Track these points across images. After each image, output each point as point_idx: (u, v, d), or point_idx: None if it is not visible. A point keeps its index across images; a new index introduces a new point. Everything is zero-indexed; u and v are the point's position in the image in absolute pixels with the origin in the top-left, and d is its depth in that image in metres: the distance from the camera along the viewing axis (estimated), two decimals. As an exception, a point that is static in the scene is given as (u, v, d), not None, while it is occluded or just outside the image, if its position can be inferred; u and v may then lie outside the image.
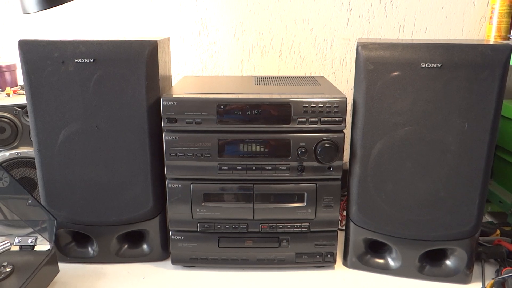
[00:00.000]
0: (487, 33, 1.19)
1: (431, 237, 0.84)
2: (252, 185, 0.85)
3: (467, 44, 0.76)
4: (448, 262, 0.86)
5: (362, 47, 0.79)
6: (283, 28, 1.24)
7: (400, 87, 0.78)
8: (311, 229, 0.87)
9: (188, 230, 0.87)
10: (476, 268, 0.87)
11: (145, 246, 0.92)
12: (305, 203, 0.85)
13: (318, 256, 0.89)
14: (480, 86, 0.75)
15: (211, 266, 0.89)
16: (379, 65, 0.78)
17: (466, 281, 0.85)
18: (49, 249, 0.83)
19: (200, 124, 0.81)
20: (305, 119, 0.81)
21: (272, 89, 0.91)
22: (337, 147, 0.82)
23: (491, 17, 1.16)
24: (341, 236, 0.91)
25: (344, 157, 0.84)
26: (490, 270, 0.88)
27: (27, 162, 0.97)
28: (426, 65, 0.76)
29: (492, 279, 0.83)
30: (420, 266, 0.86)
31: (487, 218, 1.10)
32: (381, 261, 0.89)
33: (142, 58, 0.80)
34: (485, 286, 0.82)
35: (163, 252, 0.92)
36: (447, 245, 0.84)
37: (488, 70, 0.74)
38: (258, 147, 0.83)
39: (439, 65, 0.76)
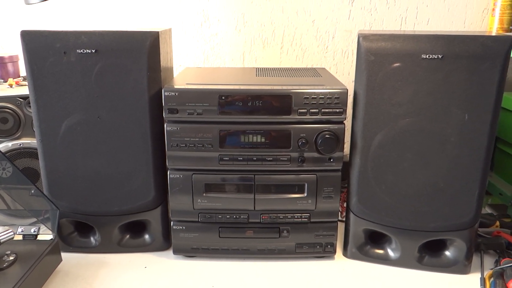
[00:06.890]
0: (490, 25, 1.18)
1: (430, 228, 0.84)
2: (253, 175, 0.85)
3: (468, 35, 0.76)
4: (447, 253, 0.87)
5: (363, 38, 0.79)
6: (285, 19, 1.24)
7: (401, 79, 0.78)
8: (312, 220, 0.88)
9: (189, 220, 0.88)
10: (475, 259, 0.87)
11: (146, 236, 0.93)
12: (305, 194, 0.86)
13: (318, 247, 0.89)
14: (480, 77, 0.75)
15: (212, 256, 0.90)
16: (380, 56, 0.78)
17: (465, 271, 0.86)
18: (51, 239, 0.84)
19: (202, 115, 0.81)
20: (306, 110, 0.81)
21: (273, 81, 0.92)
22: (337, 138, 0.82)
23: (493, 9, 1.16)
24: (341, 227, 0.91)
25: (345, 150, 0.84)
26: (489, 261, 0.89)
27: (29, 152, 0.97)
28: (427, 56, 0.76)
29: (491, 269, 0.84)
30: (419, 256, 0.87)
31: (487, 210, 1.11)
32: (380, 251, 0.90)
33: (144, 49, 0.80)
34: (484, 276, 0.83)
35: (165, 242, 0.93)
36: (446, 236, 0.85)
37: (489, 62, 0.74)
38: (259, 138, 0.83)
39: (440, 56, 0.76)
